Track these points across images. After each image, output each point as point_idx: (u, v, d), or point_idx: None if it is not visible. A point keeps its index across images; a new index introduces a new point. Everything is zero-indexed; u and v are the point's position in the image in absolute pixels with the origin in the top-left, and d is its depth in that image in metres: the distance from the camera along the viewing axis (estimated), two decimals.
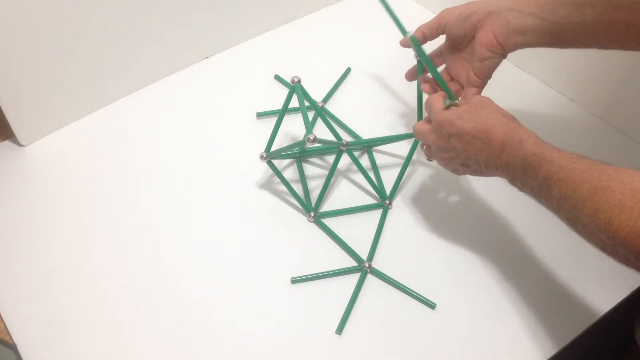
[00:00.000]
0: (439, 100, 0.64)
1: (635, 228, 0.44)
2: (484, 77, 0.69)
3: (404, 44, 0.72)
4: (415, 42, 0.69)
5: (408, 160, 0.77)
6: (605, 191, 0.47)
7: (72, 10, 0.77)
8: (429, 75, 0.72)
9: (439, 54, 0.73)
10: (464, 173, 0.64)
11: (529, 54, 0.93)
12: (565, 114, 0.88)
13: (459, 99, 0.67)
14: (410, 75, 0.77)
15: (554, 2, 0.61)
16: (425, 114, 0.68)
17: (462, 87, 0.71)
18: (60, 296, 0.69)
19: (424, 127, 0.66)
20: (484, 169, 0.60)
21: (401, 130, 0.87)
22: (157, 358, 0.65)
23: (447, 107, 0.63)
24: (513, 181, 0.58)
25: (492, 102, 0.62)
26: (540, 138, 0.56)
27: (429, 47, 0.73)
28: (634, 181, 0.46)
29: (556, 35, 0.62)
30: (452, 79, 0.72)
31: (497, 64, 0.68)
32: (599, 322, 0.68)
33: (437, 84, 0.70)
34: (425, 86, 0.72)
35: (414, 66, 0.76)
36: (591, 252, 0.73)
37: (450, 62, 0.71)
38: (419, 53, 0.69)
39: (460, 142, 0.60)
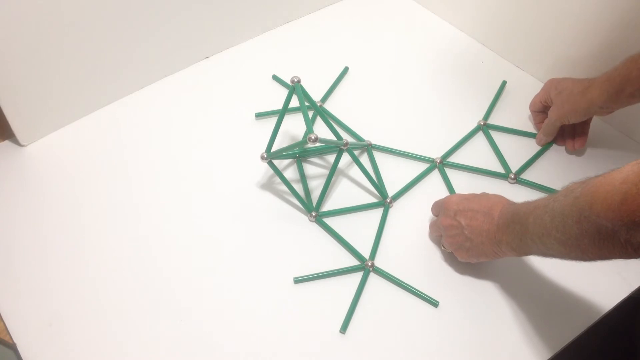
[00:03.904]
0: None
1: (575, 197, 0.48)
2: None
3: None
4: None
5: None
6: (561, 193, 0.51)
7: (72, 10, 0.76)
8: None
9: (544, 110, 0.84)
10: (467, 253, 0.67)
11: (529, 54, 0.94)
12: None
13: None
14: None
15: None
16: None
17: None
18: (60, 296, 0.68)
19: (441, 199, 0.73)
20: (485, 239, 0.64)
21: (399, 128, 0.87)
22: (158, 358, 0.64)
23: None
24: (510, 242, 0.61)
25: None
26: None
27: None
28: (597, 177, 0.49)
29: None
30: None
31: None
32: (599, 322, 0.68)
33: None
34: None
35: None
36: None
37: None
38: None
39: (464, 218, 0.66)
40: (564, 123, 0.81)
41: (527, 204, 0.59)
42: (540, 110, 0.84)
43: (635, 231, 0.44)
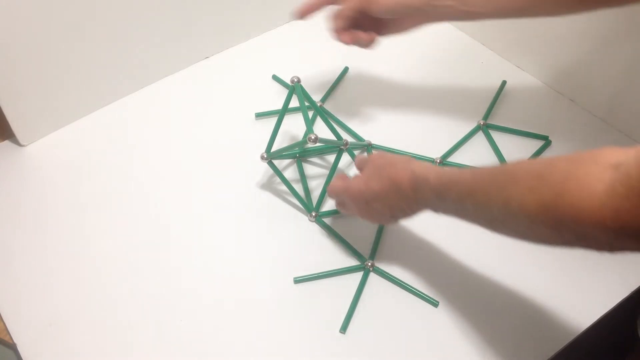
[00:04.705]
0: (340, 179, 0.68)
1: (544, 201, 0.45)
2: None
3: None
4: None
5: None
6: (511, 184, 0.48)
7: (72, 10, 0.77)
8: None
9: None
10: (398, 220, 0.66)
11: (529, 54, 0.93)
12: (565, 114, 0.88)
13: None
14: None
15: None
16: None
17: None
18: (60, 296, 0.68)
19: (339, 188, 0.67)
20: (409, 211, 0.63)
21: (399, 128, 0.87)
22: (158, 358, 0.64)
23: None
24: (436, 211, 0.59)
25: (386, 154, 0.66)
26: (440, 167, 0.58)
27: None
28: (533, 164, 0.47)
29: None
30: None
31: None
32: (599, 322, 0.68)
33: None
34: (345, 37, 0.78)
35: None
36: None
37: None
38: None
39: (378, 203, 0.63)
40: (363, 10, 0.74)
41: (451, 183, 0.54)
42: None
43: (624, 240, 0.42)
